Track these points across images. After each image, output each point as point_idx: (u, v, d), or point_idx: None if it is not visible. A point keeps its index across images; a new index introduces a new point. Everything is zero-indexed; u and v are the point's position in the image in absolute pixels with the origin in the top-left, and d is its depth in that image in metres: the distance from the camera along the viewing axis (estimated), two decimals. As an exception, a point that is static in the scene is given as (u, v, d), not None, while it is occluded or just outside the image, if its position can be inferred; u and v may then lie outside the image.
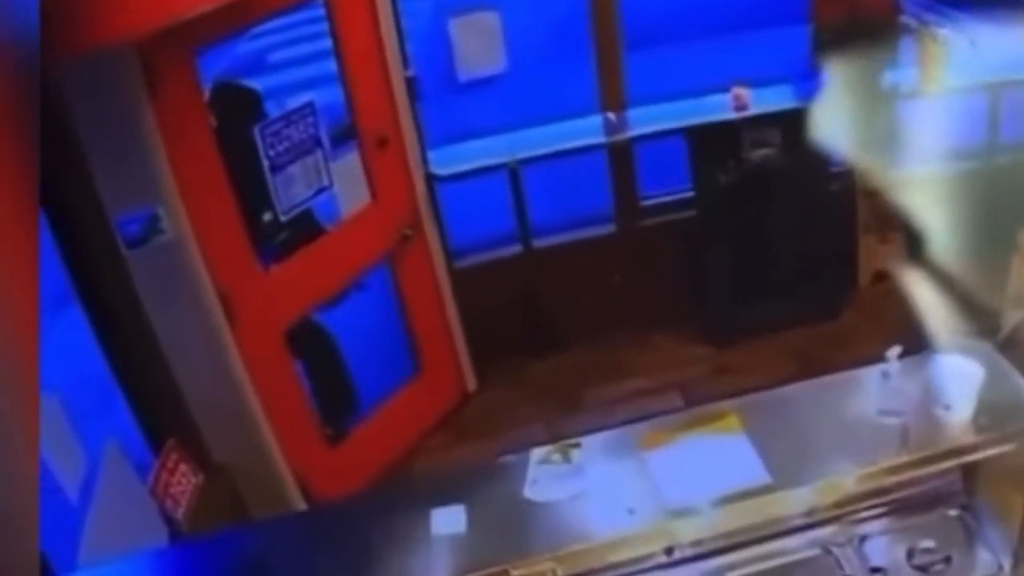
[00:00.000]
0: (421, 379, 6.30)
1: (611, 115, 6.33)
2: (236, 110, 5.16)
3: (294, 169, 5.12)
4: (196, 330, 4.80)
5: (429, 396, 6.32)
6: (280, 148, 5.04)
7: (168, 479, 3.30)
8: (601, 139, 6.30)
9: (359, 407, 6.12)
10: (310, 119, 5.16)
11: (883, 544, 3.19)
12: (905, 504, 3.24)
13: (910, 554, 3.17)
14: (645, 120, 6.29)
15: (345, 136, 5.60)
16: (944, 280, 4.68)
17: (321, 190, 5.31)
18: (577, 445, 3.39)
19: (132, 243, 4.52)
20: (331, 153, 5.32)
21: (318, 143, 5.22)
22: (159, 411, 4.60)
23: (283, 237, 5.35)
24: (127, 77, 4.34)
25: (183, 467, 3.40)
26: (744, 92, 6.05)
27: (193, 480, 3.44)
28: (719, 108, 6.12)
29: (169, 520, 3.41)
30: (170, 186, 4.57)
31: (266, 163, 4.99)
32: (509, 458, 3.43)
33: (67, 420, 3.69)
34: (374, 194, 5.71)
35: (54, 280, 4.34)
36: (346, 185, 5.50)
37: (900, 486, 3.20)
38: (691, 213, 6.50)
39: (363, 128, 5.59)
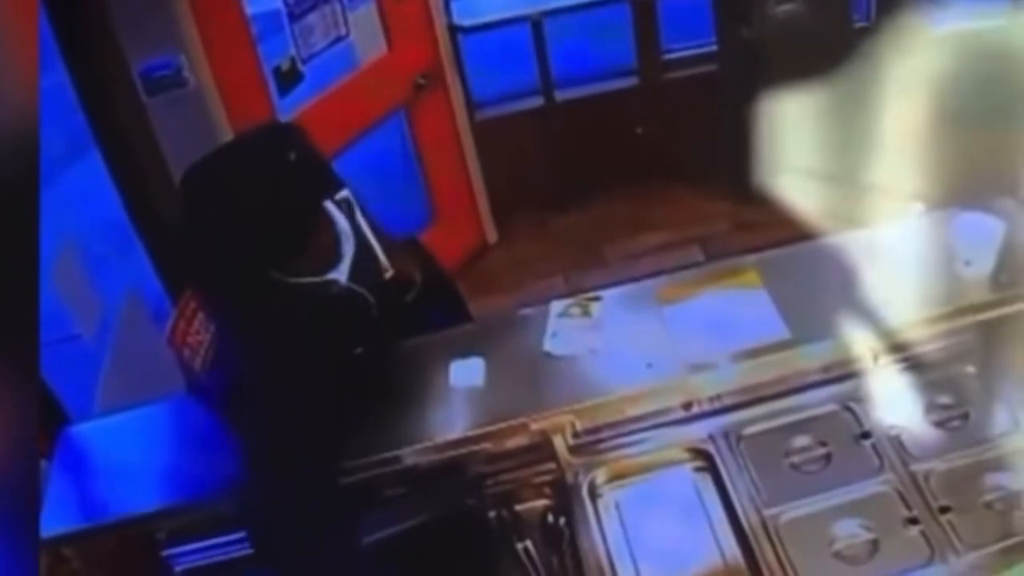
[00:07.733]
0: (437, 227, 6.29)
1: (634, -34, 6.23)
2: None
3: (312, 18, 5.18)
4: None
5: (445, 245, 6.26)
6: (298, -4, 5.10)
7: (186, 328, 3.28)
8: (625, -10, 6.23)
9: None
10: (327, -32, 5.20)
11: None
12: (923, 360, 3.24)
13: (927, 410, 3.18)
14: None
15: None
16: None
17: (338, 39, 5.39)
18: (597, 299, 3.39)
19: (153, 90, 4.51)
20: (349, 3, 5.40)
21: (335, -8, 5.27)
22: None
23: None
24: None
25: (201, 316, 3.39)
26: (771, -56, 5.92)
27: (211, 329, 3.44)
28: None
29: (187, 369, 3.42)
30: (192, 34, 4.56)
31: (284, 11, 5.06)
32: (528, 311, 3.42)
33: (84, 266, 3.71)
34: (390, 44, 5.73)
35: (74, 126, 4.34)
36: (363, 35, 5.57)
37: (918, 342, 3.19)
38: (714, 67, 6.45)
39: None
